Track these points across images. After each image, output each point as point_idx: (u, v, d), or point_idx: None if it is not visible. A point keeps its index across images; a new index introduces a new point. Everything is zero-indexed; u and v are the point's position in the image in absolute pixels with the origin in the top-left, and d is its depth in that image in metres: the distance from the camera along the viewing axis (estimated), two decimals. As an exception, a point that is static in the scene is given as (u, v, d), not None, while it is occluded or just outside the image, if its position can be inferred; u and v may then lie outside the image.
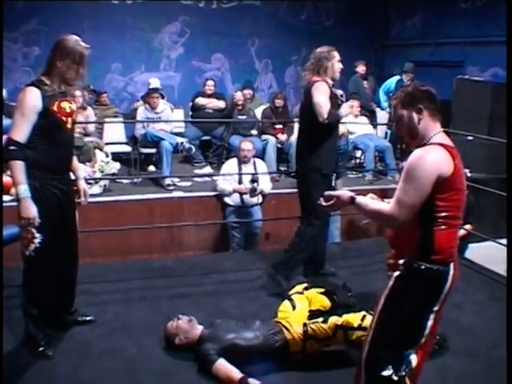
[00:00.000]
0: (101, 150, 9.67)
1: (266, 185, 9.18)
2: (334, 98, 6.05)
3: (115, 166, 9.61)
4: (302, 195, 6.46)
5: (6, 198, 8.17)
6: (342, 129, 11.15)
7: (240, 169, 9.13)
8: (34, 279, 4.58)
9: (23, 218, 4.33)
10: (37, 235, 4.40)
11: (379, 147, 11.42)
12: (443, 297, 3.37)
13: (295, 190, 9.56)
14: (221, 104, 11.48)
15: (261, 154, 10.30)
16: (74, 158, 5.00)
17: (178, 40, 14.15)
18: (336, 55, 6.19)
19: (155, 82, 11.95)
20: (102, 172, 9.22)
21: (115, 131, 11.06)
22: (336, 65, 6.15)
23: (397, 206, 3.28)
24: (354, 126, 11.53)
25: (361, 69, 12.78)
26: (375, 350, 3.47)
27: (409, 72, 12.09)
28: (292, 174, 9.09)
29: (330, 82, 6.08)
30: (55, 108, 4.43)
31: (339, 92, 6.32)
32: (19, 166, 4.31)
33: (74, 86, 4.63)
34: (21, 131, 4.34)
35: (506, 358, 3.44)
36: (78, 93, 5.26)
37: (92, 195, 7.28)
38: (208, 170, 10.63)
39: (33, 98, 4.36)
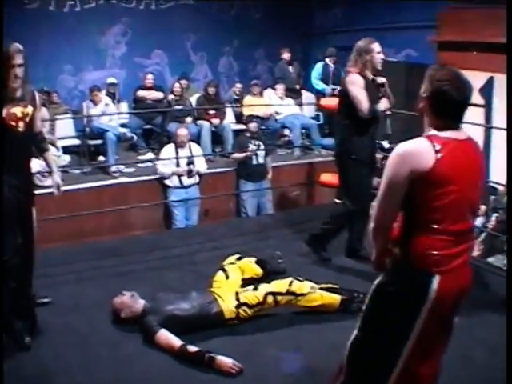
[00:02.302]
0: (53, 145, 9.54)
1: (201, 166, 9.22)
2: (371, 89, 5.73)
3: (65, 159, 9.57)
4: (342, 180, 6.11)
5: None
6: (269, 111, 11.20)
7: (177, 153, 9.16)
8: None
9: None
10: None
11: (305, 125, 11.56)
12: (424, 315, 2.76)
13: (229, 169, 9.67)
14: (159, 95, 11.41)
15: (196, 139, 10.27)
16: (49, 154, 5.13)
17: (122, 40, 14.01)
18: (375, 47, 5.70)
19: (111, 80, 12.14)
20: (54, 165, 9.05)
21: (65, 127, 10.91)
22: (376, 57, 5.69)
23: (374, 210, 2.85)
24: (281, 107, 11.63)
25: (286, 55, 12.83)
26: (354, 370, 3.08)
27: (332, 56, 12.15)
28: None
29: (370, 76, 5.75)
30: (4, 114, 4.37)
31: (381, 80, 5.87)
32: None
33: (17, 88, 4.45)
34: None
35: (507, 357, 3.39)
36: (38, 95, 4.93)
37: (46, 187, 7.26)
38: (151, 155, 10.56)
39: None
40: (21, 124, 4.49)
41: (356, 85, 5.63)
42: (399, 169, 2.70)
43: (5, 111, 4.36)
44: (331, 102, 7.96)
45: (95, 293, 5.37)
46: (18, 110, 4.46)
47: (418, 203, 2.75)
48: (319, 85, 12.10)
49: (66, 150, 10.23)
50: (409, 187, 2.71)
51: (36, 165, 7.67)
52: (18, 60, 4.35)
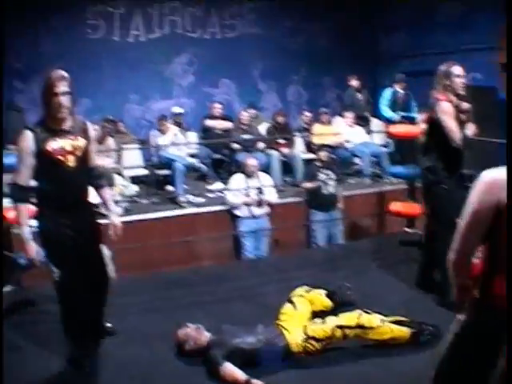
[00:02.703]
0: (120, 174, 9.60)
1: (272, 196, 9.14)
2: (458, 115, 5.61)
3: (133, 189, 9.61)
4: (432, 210, 5.92)
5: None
6: (339, 139, 11.12)
7: (247, 183, 9.11)
8: (63, 308, 4.47)
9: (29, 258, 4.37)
10: (54, 270, 4.31)
11: (375, 153, 11.43)
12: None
13: (299, 199, 9.57)
14: (228, 124, 11.43)
15: (266, 168, 10.21)
16: (107, 191, 4.83)
17: (188, 69, 14.17)
18: (454, 71, 5.61)
19: (177, 109, 12.26)
20: (122, 195, 9.20)
21: (133, 157, 11.02)
22: (456, 81, 5.61)
23: (454, 240, 2.67)
24: (350, 135, 11.55)
25: (354, 82, 12.70)
26: None
27: (400, 82, 11.98)
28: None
29: (454, 99, 5.63)
30: (49, 148, 4.20)
31: (465, 105, 5.76)
32: (20, 209, 4.30)
33: (63, 119, 4.28)
34: (20, 174, 4.27)
35: (507, 358, 3.25)
36: (92, 126, 4.74)
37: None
38: (220, 185, 10.55)
39: (25, 141, 4.20)
40: (70, 158, 4.28)
41: (447, 114, 5.52)
42: (485, 197, 2.53)
43: (51, 144, 4.21)
44: (402, 129, 7.85)
45: (160, 324, 5.34)
46: (66, 143, 4.28)
47: (503, 239, 2.49)
48: (387, 112, 11.95)
49: (134, 179, 10.32)
50: (493, 219, 2.52)
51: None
52: (62, 88, 4.19)
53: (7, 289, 6.17)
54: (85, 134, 4.46)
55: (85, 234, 4.46)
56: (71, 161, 4.28)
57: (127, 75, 13.19)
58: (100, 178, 4.76)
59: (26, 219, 4.28)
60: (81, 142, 4.38)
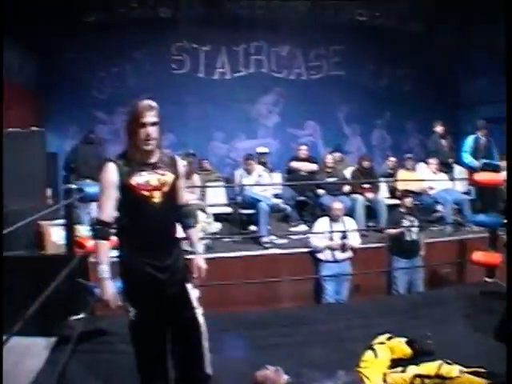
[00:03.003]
0: (203, 211, 9.72)
1: (355, 240, 9.13)
2: None
3: (216, 226, 9.72)
4: None
5: (114, 253, 8.42)
6: (422, 185, 11.05)
7: (331, 226, 9.13)
8: (136, 350, 4.27)
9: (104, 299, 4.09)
10: (130, 309, 4.12)
11: (457, 200, 11.32)
12: None
13: (382, 244, 9.53)
14: (313, 167, 11.51)
15: (350, 212, 10.22)
16: (194, 231, 4.56)
17: (274, 110, 14.35)
18: None
19: (262, 149, 12.47)
20: (204, 232, 9.28)
21: (217, 194, 11.23)
22: None
23: None
24: (434, 181, 11.47)
25: (439, 129, 12.63)
26: None
27: (482, 129, 11.87)
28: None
29: None
30: (133, 182, 4.00)
31: None
32: (101, 246, 4.05)
33: (150, 152, 4.08)
34: (102, 209, 4.06)
35: (507, 358, 3.20)
36: (181, 161, 4.45)
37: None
38: (303, 227, 10.62)
39: (108, 175, 4.00)
40: (156, 194, 4.06)
41: None
42: None
43: (136, 178, 4.01)
44: (485, 177, 7.79)
45: (237, 365, 5.30)
46: (153, 178, 4.07)
47: None
48: (470, 159, 11.82)
49: (217, 217, 10.41)
50: None
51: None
52: (150, 118, 4.01)
53: (80, 316, 6.26)
54: (173, 168, 4.25)
55: (170, 273, 4.21)
56: (157, 196, 4.07)
57: (212, 112, 13.54)
58: (189, 217, 4.51)
59: (105, 257, 4.06)
60: (168, 177, 4.16)
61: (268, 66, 14.57)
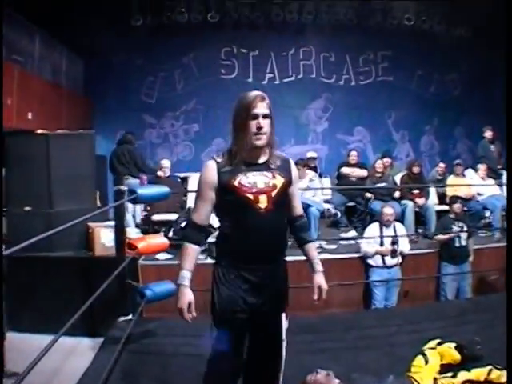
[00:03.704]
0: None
1: (405, 246, 9.20)
2: None
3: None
4: None
5: (163, 256, 8.69)
6: (471, 191, 11.06)
7: (382, 232, 9.21)
8: (208, 371, 3.87)
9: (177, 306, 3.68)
10: (212, 327, 3.74)
11: (506, 207, 11.13)
12: None
13: (431, 250, 9.56)
14: (363, 173, 11.59)
15: (400, 218, 10.28)
16: (312, 247, 4.07)
17: (323, 115, 14.46)
18: None
19: (312, 154, 12.62)
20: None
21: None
22: None
23: None
24: (482, 187, 11.49)
25: (488, 134, 12.66)
26: None
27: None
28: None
29: None
30: (235, 183, 3.53)
31: None
32: (188, 251, 3.65)
33: (260, 148, 3.60)
34: (196, 211, 3.69)
35: (506, 358, 3.28)
36: (294, 165, 3.89)
37: None
38: (353, 233, 10.73)
39: (207, 174, 3.61)
40: (263, 198, 3.54)
41: None
42: None
43: (239, 179, 3.55)
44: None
45: (288, 369, 5.36)
46: (260, 180, 3.59)
47: None
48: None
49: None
50: None
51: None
52: (262, 109, 3.52)
53: (128, 318, 6.38)
54: (285, 172, 3.72)
55: (267, 295, 3.77)
56: (263, 202, 3.55)
57: None
58: (305, 231, 4.04)
59: (190, 263, 3.66)
60: (279, 180, 3.64)
61: (317, 71, 14.68)
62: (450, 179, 11.75)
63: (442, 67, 15.10)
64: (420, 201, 10.99)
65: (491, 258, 9.85)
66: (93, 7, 11.84)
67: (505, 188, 11.89)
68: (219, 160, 3.63)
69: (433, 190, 11.79)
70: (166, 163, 11.18)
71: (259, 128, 3.49)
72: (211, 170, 3.61)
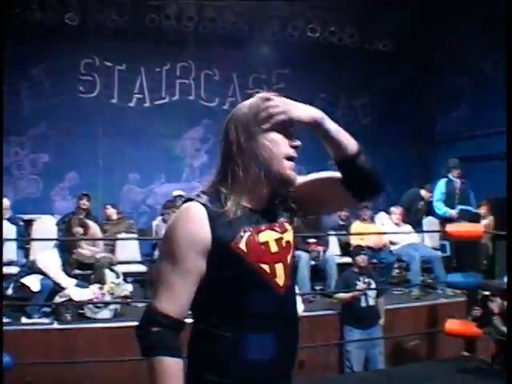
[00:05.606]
0: (111, 269, 9.46)
1: (298, 307, 8.87)
2: None
3: (127, 288, 9.42)
4: None
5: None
6: (382, 240, 11.02)
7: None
8: None
9: None
10: None
11: (427, 258, 11.35)
12: None
13: (331, 312, 9.38)
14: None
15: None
16: None
17: (201, 147, 14.24)
18: None
19: (178, 192, 12.08)
20: (112, 294, 9.07)
21: (128, 248, 10.96)
22: None
23: None
24: (396, 235, 11.52)
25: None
26: None
27: (455, 168, 11.85)
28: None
29: None
30: (242, 245, 2.48)
31: None
32: (164, 369, 2.38)
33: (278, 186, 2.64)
34: (169, 295, 2.45)
35: (506, 359, 3.08)
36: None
37: (101, 320, 7.33)
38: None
39: (193, 227, 2.46)
40: (280, 270, 2.58)
41: None
42: None
43: (246, 237, 2.51)
44: (461, 229, 7.77)
45: None
46: (270, 238, 2.60)
47: None
48: (441, 208, 11.82)
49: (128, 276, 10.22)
50: None
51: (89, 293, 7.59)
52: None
53: None
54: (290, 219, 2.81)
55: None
56: (281, 275, 2.59)
57: (126, 148, 13.60)
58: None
59: None
60: (290, 233, 2.74)
61: (196, 92, 14.45)
62: (355, 225, 11.68)
63: (351, 90, 15.07)
64: (317, 251, 10.88)
65: (408, 320, 9.87)
66: None
67: (426, 236, 11.92)
68: (209, 204, 2.52)
69: (333, 239, 11.73)
70: (5, 202, 10.48)
71: (291, 158, 2.66)
72: (199, 219, 2.48)
